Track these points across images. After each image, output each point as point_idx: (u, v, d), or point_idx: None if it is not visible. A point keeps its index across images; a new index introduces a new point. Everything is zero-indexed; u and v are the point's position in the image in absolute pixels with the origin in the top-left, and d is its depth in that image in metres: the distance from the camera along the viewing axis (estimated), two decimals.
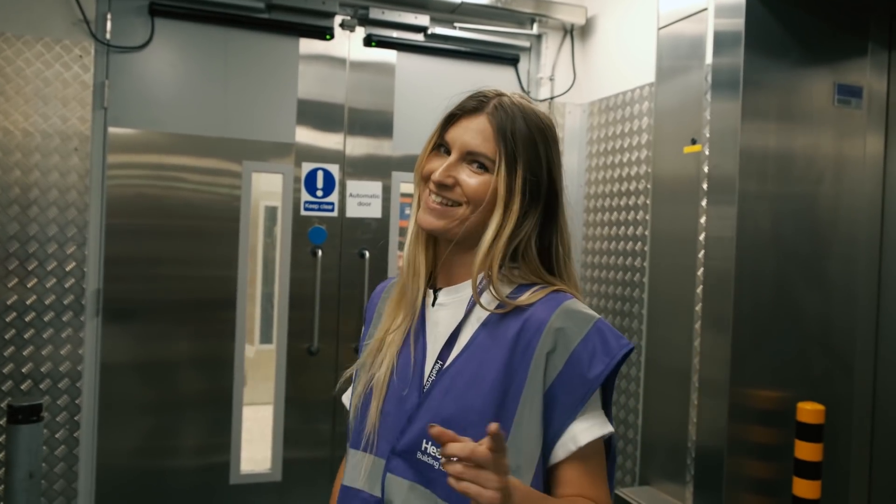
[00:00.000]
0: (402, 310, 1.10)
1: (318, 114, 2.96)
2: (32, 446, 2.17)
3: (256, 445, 3.04)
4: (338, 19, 2.96)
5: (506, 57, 3.23)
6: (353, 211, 3.00)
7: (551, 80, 3.24)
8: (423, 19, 3.04)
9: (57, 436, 2.57)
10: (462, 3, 3.01)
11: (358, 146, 3.02)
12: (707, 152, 2.39)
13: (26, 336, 2.54)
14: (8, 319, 2.52)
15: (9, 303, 2.52)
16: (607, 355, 0.98)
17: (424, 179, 1.07)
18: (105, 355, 2.69)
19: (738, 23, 2.25)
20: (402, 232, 3.10)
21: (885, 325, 2.42)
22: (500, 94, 1.07)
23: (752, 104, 2.24)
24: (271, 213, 5.32)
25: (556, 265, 1.08)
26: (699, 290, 2.40)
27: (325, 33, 2.92)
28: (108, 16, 2.66)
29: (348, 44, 3.01)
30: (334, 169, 2.97)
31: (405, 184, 3.07)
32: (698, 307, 2.40)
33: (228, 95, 2.83)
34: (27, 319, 2.54)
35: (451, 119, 1.07)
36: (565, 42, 3.27)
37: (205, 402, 2.82)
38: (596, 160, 3.13)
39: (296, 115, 2.92)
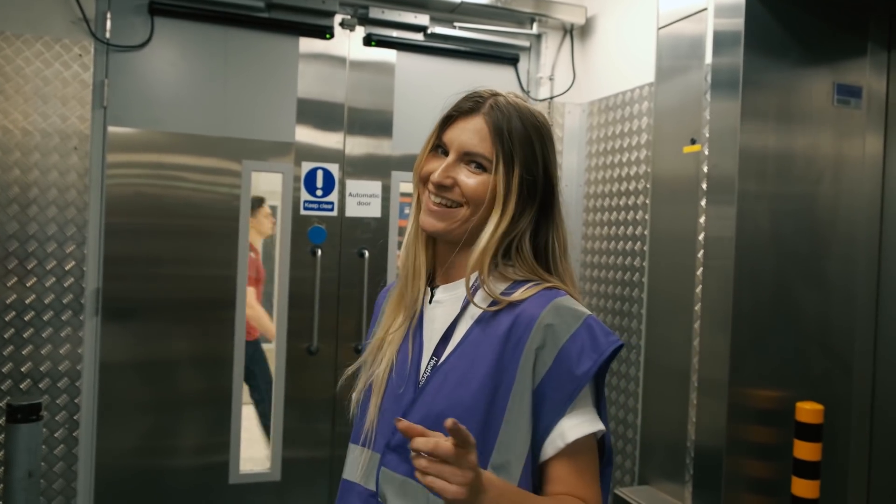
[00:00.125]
0: (402, 309, 1.12)
1: (317, 113, 2.96)
2: (31, 445, 2.17)
3: (256, 444, 3.04)
4: (338, 18, 2.96)
5: (505, 56, 3.23)
6: (352, 210, 3.00)
7: (551, 79, 3.24)
8: (422, 19, 3.04)
9: (56, 435, 2.57)
10: (462, 2, 3.01)
11: (357, 146, 3.02)
12: (706, 152, 2.40)
13: (25, 335, 2.54)
14: (7, 318, 2.52)
15: (8, 302, 2.52)
16: (595, 352, 0.97)
17: (423, 181, 1.08)
18: (104, 354, 2.68)
19: (737, 23, 2.25)
20: (402, 231, 3.08)
21: (884, 324, 2.42)
22: (495, 94, 1.08)
23: (752, 104, 2.24)
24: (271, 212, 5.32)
25: (551, 262, 1.08)
26: (698, 289, 2.40)
27: (324, 32, 2.92)
28: (108, 15, 2.66)
29: (348, 43, 3.01)
30: (334, 168, 2.97)
31: (405, 183, 3.07)
32: (697, 307, 2.40)
33: (228, 94, 2.83)
34: (26, 318, 2.54)
35: (448, 120, 1.08)
36: (565, 42, 3.27)
37: (204, 401, 2.82)
38: (595, 160, 3.13)
39: (295, 115, 2.92)
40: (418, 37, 3.08)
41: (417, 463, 0.83)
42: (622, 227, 2.91)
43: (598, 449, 1.03)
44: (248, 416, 2.91)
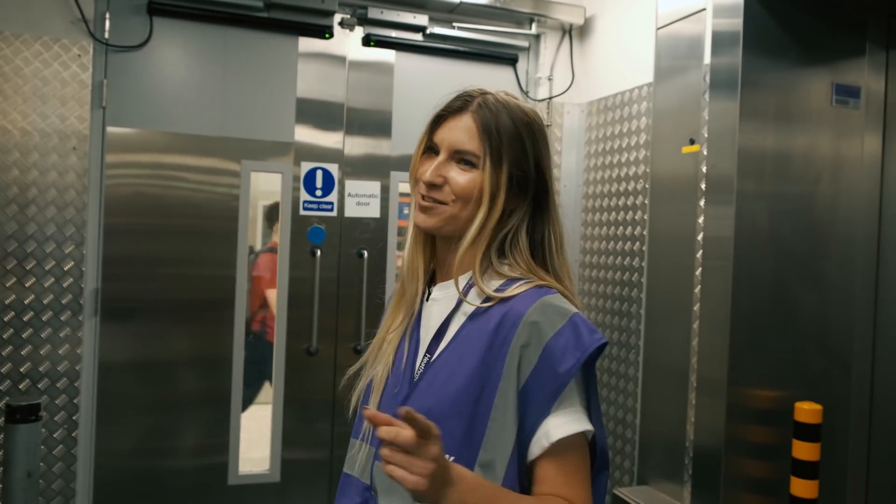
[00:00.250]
0: (402, 309, 1.14)
1: (317, 113, 2.96)
2: (30, 446, 2.17)
3: (255, 445, 3.04)
4: (337, 18, 2.96)
5: (504, 57, 3.23)
6: (351, 211, 3.00)
7: (550, 79, 3.24)
8: (421, 19, 3.04)
9: (55, 435, 2.57)
10: (461, 2, 3.01)
11: (356, 146, 3.02)
12: (705, 152, 2.40)
13: (24, 335, 2.54)
14: (6, 319, 2.52)
15: (7, 302, 2.52)
16: (578, 349, 0.96)
17: (417, 182, 1.10)
18: (103, 355, 2.68)
19: (736, 23, 2.25)
20: (401, 231, 3.10)
21: (883, 324, 2.42)
22: (484, 93, 1.09)
23: (751, 104, 2.24)
24: (269, 213, 5.32)
25: (547, 258, 1.08)
26: (697, 289, 2.40)
27: (324, 32, 2.92)
28: (107, 15, 2.65)
29: (348, 42, 3.01)
30: (333, 168, 2.97)
31: (403, 183, 3.07)
32: (696, 307, 2.40)
33: (227, 94, 2.83)
34: (25, 319, 2.54)
35: (439, 120, 1.10)
36: (564, 42, 3.27)
37: (203, 402, 2.82)
38: (594, 160, 3.13)
39: (295, 115, 2.92)
40: (417, 37, 3.08)
41: (381, 452, 0.83)
42: (621, 228, 2.91)
43: (592, 452, 1.02)
44: (251, 417, 2.90)
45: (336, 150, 2.99)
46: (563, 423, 0.96)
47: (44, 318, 2.56)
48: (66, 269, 2.58)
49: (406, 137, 3.06)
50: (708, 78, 2.39)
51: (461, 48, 3.15)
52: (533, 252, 1.08)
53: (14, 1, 2.52)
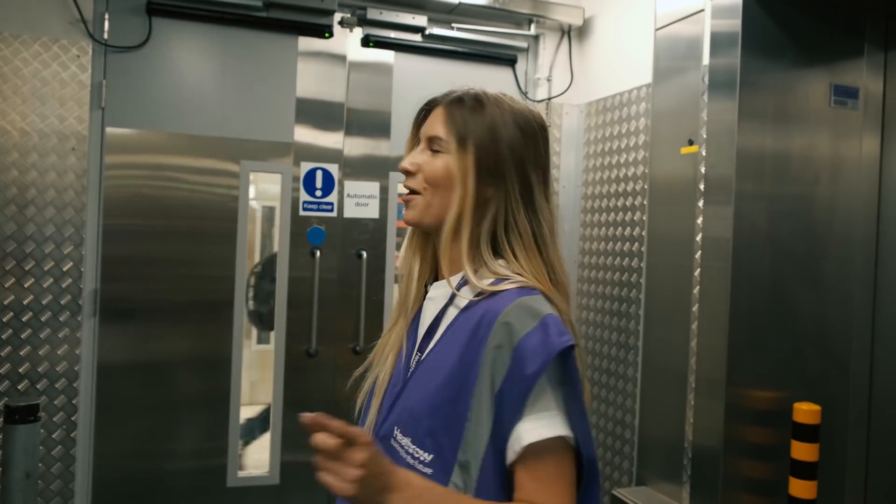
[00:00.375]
0: (401, 310, 1.14)
1: (317, 113, 2.96)
2: (29, 446, 2.17)
3: (253, 446, 3.03)
4: (337, 17, 2.95)
5: (503, 57, 3.23)
6: (350, 211, 3.00)
7: (549, 80, 3.24)
8: (420, 20, 3.04)
9: (54, 436, 2.57)
10: (460, 3, 3.01)
11: (355, 146, 3.02)
12: (704, 153, 2.40)
13: (23, 336, 2.54)
14: (5, 319, 2.52)
15: (6, 303, 2.52)
16: (545, 351, 0.93)
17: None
18: (102, 355, 2.68)
19: (734, 24, 2.25)
20: (400, 232, 3.10)
21: (881, 325, 2.42)
22: (469, 89, 1.11)
23: (749, 105, 2.25)
24: (269, 213, 5.32)
25: (533, 251, 1.06)
26: (696, 290, 2.40)
27: (324, 31, 2.91)
28: (106, 15, 2.65)
29: (348, 41, 3.00)
30: (333, 168, 2.97)
31: (403, 184, 3.06)
32: (695, 308, 2.40)
33: (226, 95, 2.83)
34: (24, 319, 2.54)
35: (424, 116, 1.14)
36: (563, 43, 3.27)
37: (202, 403, 2.81)
38: (593, 161, 3.14)
39: (294, 114, 2.92)
40: (416, 38, 3.08)
41: (314, 458, 0.85)
42: (620, 228, 2.91)
43: (578, 461, 0.97)
44: (245, 417, 2.90)
45: (336, 151, 2.98)
46: (535, 428, 0.93)
47: (42, 319, 2.56)
48: (64, 269, 2.58)
49: (405, 138, 3.03)
50: (706, 79, 2.39)
51: (460, 49, 3.16)
52: (516, 245, 1.05)
53: (13, 1, 2.52)
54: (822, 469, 2.09)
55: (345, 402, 3.02)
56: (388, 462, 0.88)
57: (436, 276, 1.15)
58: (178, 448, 2.79)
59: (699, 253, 2.39)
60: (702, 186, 2.40)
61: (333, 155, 2.98)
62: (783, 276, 2.30)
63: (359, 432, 0.84)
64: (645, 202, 2.75)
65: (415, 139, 1.14)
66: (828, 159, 2.36)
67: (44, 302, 2.56)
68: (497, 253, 1.06)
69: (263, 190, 3.51)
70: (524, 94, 3.26)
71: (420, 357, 1.06)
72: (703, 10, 2.44)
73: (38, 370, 2.55)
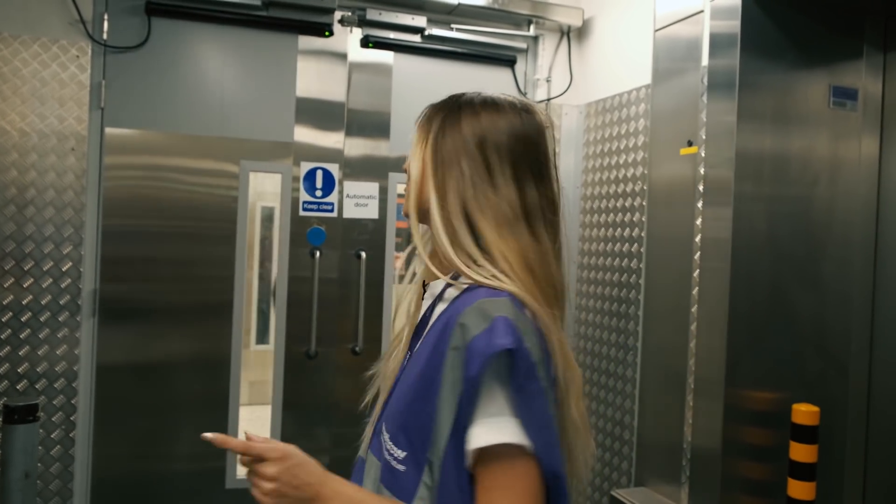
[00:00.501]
0: (404, 310, 1.18)
1: (317, 112, 2.95)
2: (28, 446, 2.17)
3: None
4: (337, 15, 2.94)
5: (503, 58, 3.23)
6: (350, 212, 3.00)
7: (548, 81, 3.25)
8: (420, 20, 3.04)
9: (53, 436, 2.57)
10: (459, 4, 3.01)
11: (355, 147, 3.02)
12: (703, 154, 2.40)
13: (22, 336, 2.54)
14: (4, 319, 2.52)
15: (5, 303, 2.52)
16: (483, 353, 0.90)
17: None
18: (101, 356, 2.68)
19: (733, 25, 2.25)
20: (399, 233, 3.10)
21: (880, 326, 2.42)
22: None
23: (748, 106, 2.25)
24: (268, 213, 5.32)
25: (509, 233, 1.02)
26: (695, 291, 2.40)
27: (324, 30, 2.91)
28: (105, 16, 2.66)
29: (348, 40, 2.99)
30: (334, 168, 2.96)
31: (402, 185, 3.06)
32: (694, 308, 2.40)
33: (226, 94, 2.83)
34: (23, 319, 2.54)
35: None
36: (562, 44, 3.27)
37: (201, 404, 2.81)
38: (592, 161, 3.14)
39: (294, 114, 2.92)
40: (415, 38, 3.08)
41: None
42: (619, 229, 2.92)
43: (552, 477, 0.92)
44: (244, 418, 2.90)
45: (336, 150, 2.98)
46: (484, 432, 0.90)
47: (42, 319, 2.56)
48: (64, 269, 2.58)
49: (404, 139, 3.03)
50: (706, 80, 2.39)
51: (459, 50, 3.16)
52: (485, 226, 1.02)
53: (12, 2, 2.52)
54: (820, 470, 2.09)
55: (344, 402, 3.03)
56: (313, 473, 0.95)
57: None
58: (177, 449, 2.79)
59: (698, 254, 2.40)
60: (701, 187, 2.40)
61: (334, 155, 2.98)
62: (782, 277, 2.31)
63: (265, 448, 0.95)
64: (644, 203, 2.75)
65: None
66: (827, 160, 2.36)
67: (43, 302, 2.56)
68: (483, 251, 1.03)
69: (263, 191, 3.50)
70: (523, 94, 3.26)
71: (409, 356, 1.08)
72: (702, 12, 2.44)
73: (37, 370, 2.55)
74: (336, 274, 2.97)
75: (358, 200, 3.01)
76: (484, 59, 3.20)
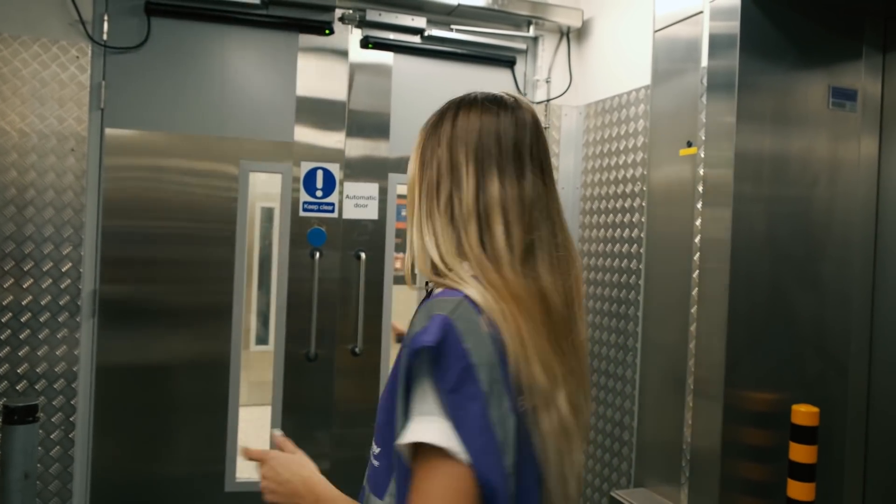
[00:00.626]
0: None
1: (317, 111, 2.95)
2: (28, 447, 2.17)
3: (251, 447, 3.01)
4: (337, 13, 2.93)
5: (502, 59, 3.23)
6: (349, 212, 2.99)
7: (548, 82, 3.25)
8: (419, 21, 3.04)
9: (52, 436, 2.57)
10: (459, 5, 3.01)
11: (355, 147, 3.02)
12: (702, 155, 2.40)
13: (22, 337, 2.54)
14: (3, 320, 2.52)
15: (4, 303, 2.52)
16: (409, 351, 0.90)
17: None
18: (100, 357, 2.68)
19: (733, 25, 2.25)
20: (399, 234, 3.10)
21: (880, 326, 2.42)
22: None
23: (748, 107, 2.25)
24: (267, 214, 5.32)
25: (451, 223, 1.01)
26: (694, 292, 2.40)
27: (324, 28, 2.90)
28: (105, 16, 2.66)
29: (349, 37, 2.99)
30: (334, 168, 2.96)
31: (402, 185, 3.06)
32: (693, 309, 2.40)
33: (226, 94, 2.83)
34: (23, 320, 2.54)
35: None
36: (562, 44, 3.28)
37: (201, 406, 2.81)
38: (592, 162, 3.14)
39: (295, 114, 2.92)
40: (415, 39, 3.09)
41: None
42: (619, 230, 2.92)
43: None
44: (244, 419, 2.89)
45: (337, 150, 2.98)
46: (409, 430, 0.89)
47: (41, 320, 2.56)
48: (63, 270, 2.58)
49: (404, 139, 3.06)
50: (705, 80, 2.39)
51: (459, 50, 3.16)
52: (437, 216, 1.01)
53: (12, 3, 2.52)
54: (820, 471, 2.09)
55: (343, 403, 3.03)
56: (296, 473, 1.07)
57: None
58: (176, 451, 2.79)
59: (698, 255, 2.40)
60: (700, 188, 2.40)
61: (334, 154, 2.97)
62: (782, 278, 2.31)
63: (261, 453, 1.12)
64: (644, 204, 2.75)
65: None
66: (826, 161, 2.36)
67: (42, 303, 2.56)
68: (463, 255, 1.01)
69: (261, 192, 3.49)
70: (523, 95, 3.26)
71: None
72: (701, 12, 2.44)
73: (37, 371, 2.55)
74: (336, 275, 2.97)
75: (358, 201, 3.00)
76: (483, 60, 3.20)
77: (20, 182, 2.53)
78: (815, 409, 2.08)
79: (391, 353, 3.01)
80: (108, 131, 2.68)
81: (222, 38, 2.83)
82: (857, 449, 2.43)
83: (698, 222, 2.41)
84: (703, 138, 2.39)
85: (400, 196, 3.08)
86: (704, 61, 2.41)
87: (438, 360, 0.88)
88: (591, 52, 3.19)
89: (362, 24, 2.99)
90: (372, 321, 3.00)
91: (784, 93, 2.30)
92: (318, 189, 2.93)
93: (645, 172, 2.75)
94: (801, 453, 2.08)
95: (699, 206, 2.41)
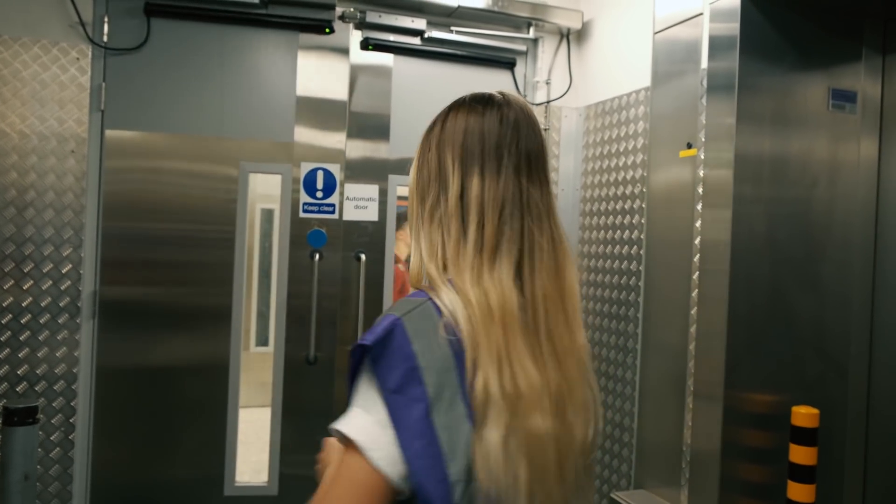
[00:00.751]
0: None
1: (318, 111, 2.94)
2: (28, 448, 2.17)
3: (251, 448, 3.02)
4: (337, 11, 2.92)
5: (502, 61, 3.23)
6: (350, 214, 2.99)
7: (548, 83, 3.25)
8: (419, 23, 3.04)
9: (52, 438, 2.57)
10: (459, 6, 3.01)
11: (355, 148, 3.02)
12: (702, 156, 2.40)
13: (22, 338, 2.54)
14: (3, 321, 2.52)
15: (4, 305, 2.52)
16: (353, 347, 0.92)
17: None
18: (101, 358, 2.68)
19: (733, 27, 2.25)
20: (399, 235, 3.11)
21: (880, 328, 2.42)
22: None
23: (748, 108, 2.25)
24: (268, 215, 5.32)
25: (430, 221, 1.01)
26: (694, 293, 2.40)
27: (324, 27, 2.89)
28: (105, 18, 2.66)
29: (349, 36, 2.98)
30: (335, 168, 2.95)
31: (402, 187, 3.06)
32: (693, 311, 2.40)
33: (225, 94, 2.83)
34: (23, 321, 2.54)
35: None
36: (562, 46, 3.28)
37: (200, 407, 2.80)
38: (592, 164, 3.14)
39: (294, 114, 2.91)
40: (415, 41, 3.09)
41: None
42: (618, 231, 2.92)
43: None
44: (243, 420, 2.89)
45: (338, 150, 2.97)
46: (338, 420, 0.91)
47: (41, 321, 2.56)
48: (63, 271, 2.58)
49: (404, 141, 3.06)
50: (705, 82, 2.39)
51: (459, 52, 3.16)
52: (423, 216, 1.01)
53: (13, 4, 2.53)
54: (820, 472, 2.09)
55: (343, 405, 3.00)
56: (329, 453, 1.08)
57: None
58: (175, 453, 2.78)
59: (698, 256, 2.40)
60: (700, 190, 2.41)
61: (335, 155, 2.96)
62: (781, 280, 2.31)
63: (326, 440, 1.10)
64: (644, 205, 2.75)
65: None
66: (826, 163, 2.36)
67: (42, 304, 2.56)
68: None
69: (261, 193, 3.49)
70: (523, 97, 3.26)
71: None
72: (701, 14, 2.44)
73: (37, 372, 2.55)
74: (336, 276, 2.96)
75: (358, 203, 3.00)
76: (483, 62, 3.20)
77: (20, 184, 2.54)
78: (815, 411, 2.08)
79: None
80: (109, 133, 2.68)
81: (222, 38, 2.82)
82: (857, 450, 2.43)
83: (698, 224, 2.41)
84: (703, 140, 2.39)
85: (400, 198, 3.07)
86: (704, 63, 2.41)
87: (383, 359, 0.89)
88: (591, 54, 3.19)
89: (362, 25, 2.99)
90: (372, 323, 2.98)
91: (784, 94, 2.30)
92: (318, 190, 2.92)
93: (645, 174, 2.75)
94: (801, 455, 2.07)
95: (699, 207, 2.41)
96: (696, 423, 2.36)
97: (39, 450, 2.48)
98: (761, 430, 2.28)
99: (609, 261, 2.97)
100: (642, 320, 2.72)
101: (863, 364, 2.43)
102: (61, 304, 2.58)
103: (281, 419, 2.88)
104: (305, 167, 2.91)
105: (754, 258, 2.26)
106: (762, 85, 2.26)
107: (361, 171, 3.02)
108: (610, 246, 2.97)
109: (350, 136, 3.00)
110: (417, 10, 3.04)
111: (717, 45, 2.32)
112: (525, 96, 3.26)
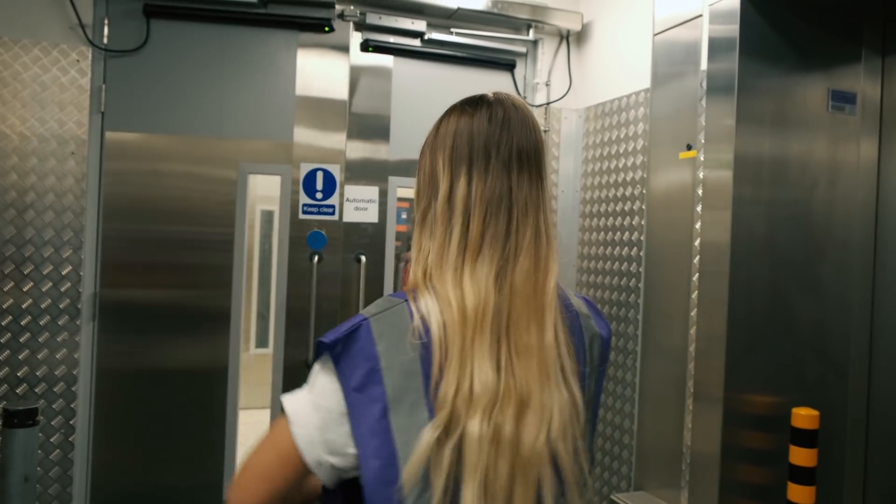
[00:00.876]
0: None
1: (318, 111, 2.94)
2: (28, 450, 2.17)
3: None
4: (337, 10, 2.92)
5: (502, 62, 3.23)
6: (350, 216, 2.99)
7: (547, 85, 3.25)
8: (419, 25, 3.05)
9: (52, 440, 2.57)
10: (459, 8, 3.02)
11: (355, 150, 3.02)
12: (702, 158, 2.40)
13: (22, 340, 2.54)
14: (3, 323, 2.52)
15: (4, 306, 2.52)
16: (315, 342, 0.97)
17: None
18: (100, 360, 2.68)
19: (732, 29, 2.26)
20: (399, 237, 3.10)
21: (879, 329, 2.42)
22: None
23: (747, 110, 2.25)
24: (267, 217, 5.32)
25: (422, 226, 1.01)
26: (694, 295, 2.40)
27: (324, 26, 2.89)
28: (105, 20, 2.66)
29: (349, 35, 2.97)
30: (335, 169, 2.94)
31: (402, 188, 3.06)
32: (693, 312, 2.40)
33: (225, 95, 2.83)
34: (23, 323, 2.54)
35: None
36: (561, 48, 3.28)
37: (200, 408, 2.80)
38: (592, 165, 3.14)
39: (294, 114, 2.91)
40: (415, 43, 3.09)
41: None
42: (618, 233, 2.92)
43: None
44: (242, 422, 2.89)
45: (338, 151, 2.96)
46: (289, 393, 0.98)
47: (41, 323, 2.56)
48: (63, 273, 2.58)
49: (404, 142, 3.06)
50: (705, 84, 2.40)
51: (459, 54, 3.16)
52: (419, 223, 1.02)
53: (13, 6, 2.53)
54: (820, 474, 2.09)
55: None
56: None
57: None
58: (175, 455, 2.78)
59: (697, 258, 2.40)
60: (700, 191, 2.41)
61: (335, 155, 2.96)
62: (781, 281, 2.31)
63: None
64: (643, 207, 2.75)
65: None
66: (825, 164, 2.36)
67: (42, 306, 2.56)
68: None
69: (261, 195, 3.49)
70: (523, 98, 3.26)
71: None
72: (700, 16, 2.45)
73: (37, 374, 2.55)
74: (336, 278, 2.96)
75: (358, 204, 3.00)
76: (483, 64, 3.20)
77: (20, 185, 2.54)
78: (815, 413, 2.08)
79: None
80: (109, 134, 2.68)
81: (221, 38, 2.82)
82: (857, 452, 2.43)
83: (698, 225, 2.41)
84: (703, 141, 2.40)
85: (400, 199, 3.07)
86: (704, 64, 2.41)
87: (347, 358, 0.90)
88: (591, 56, 3.19)
89: (362, 27, 3.00)
90: None
91: (783, 96, 2.30)
92: (318, 191, 2.92)
93: (645, 175, 2.75)
94: (801, 457, 2.07)
95: (699, 209, 2.41)
96: (696, 425, 2.36)
97: (39, 452, 2.48)
98: (761, 431, 2.28)
99: (609, 262, 2.97)
100: (642, 322, 2.72)
101: (863, 366, 2.43)
102: (61, 306, 2.58)
103: None
104: (305, 168, 2.90)
105: (754, 260, 2.26)
106: (762, 86, 2.26)
107: (361, 172, 3.02)
108: (610, 247, 2.97)
109: (350, 136, 3.00)
110: (417, 12, 3.04)
111: (717, 47, 2.32)
112: (525, 98, 3.27)
